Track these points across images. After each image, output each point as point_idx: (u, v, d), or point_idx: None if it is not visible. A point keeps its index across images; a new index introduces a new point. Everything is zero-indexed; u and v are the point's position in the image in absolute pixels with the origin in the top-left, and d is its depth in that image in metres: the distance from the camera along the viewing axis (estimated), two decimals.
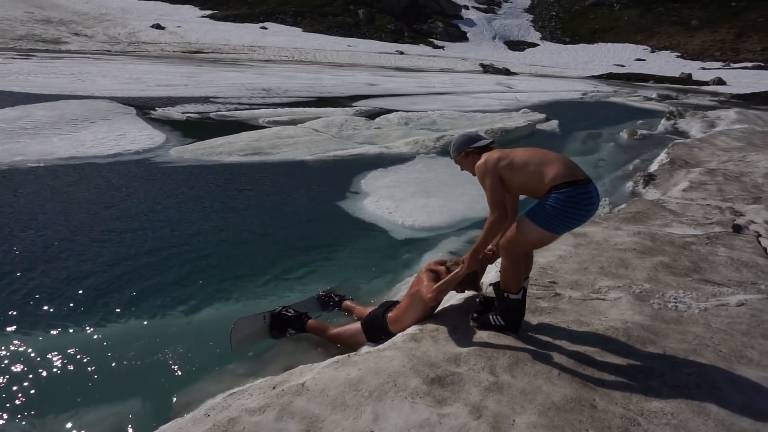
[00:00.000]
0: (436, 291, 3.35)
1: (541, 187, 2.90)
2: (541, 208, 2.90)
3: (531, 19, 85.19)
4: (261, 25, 65.83)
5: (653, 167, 10.43)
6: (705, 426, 2.41)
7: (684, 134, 16.94)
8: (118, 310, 4.33)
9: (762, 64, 70.11)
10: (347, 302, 4.38)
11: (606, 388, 2.72)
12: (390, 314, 3.66)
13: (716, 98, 36.13)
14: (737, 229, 5.83)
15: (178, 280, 4.91)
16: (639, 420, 2.46)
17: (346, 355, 3.05)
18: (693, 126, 18.27)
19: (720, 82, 51.77)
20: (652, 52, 72.36)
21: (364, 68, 44.30)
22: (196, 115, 14.52)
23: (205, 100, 17.53)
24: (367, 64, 50.31)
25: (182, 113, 14.48)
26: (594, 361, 2.97)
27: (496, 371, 2.84)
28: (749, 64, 71.53)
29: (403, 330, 3.49)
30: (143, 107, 14.89)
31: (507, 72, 52.41)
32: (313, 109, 16.52)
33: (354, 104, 19.31)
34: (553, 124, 17.05)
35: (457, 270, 3.29)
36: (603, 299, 3.83)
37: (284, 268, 5.31)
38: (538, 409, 2.53)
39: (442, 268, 3.55)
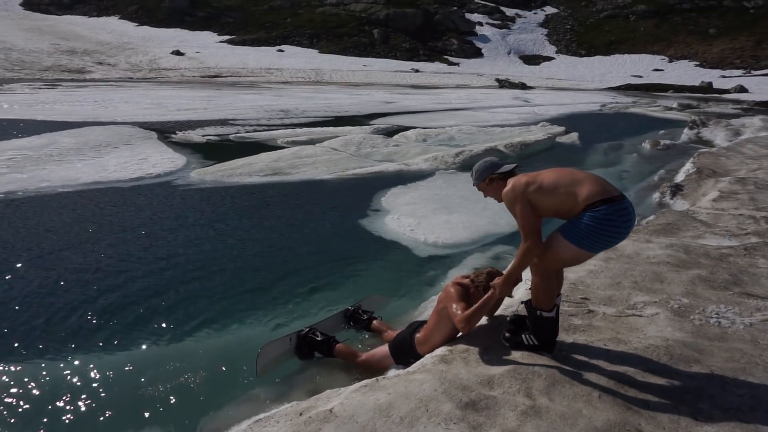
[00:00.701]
0: (466, 320, 3.21)
1: (575, 208, 2.80)
2: (576, 226, 2.78)
3: (545, 33, 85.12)
4: (278, 48, 66.89)
5: (680, 177, 10.18)
6: None
7: (708, 143, 16.58)
8: (141, 333, 4.29)
9: None
10: (376, 323, 4.27)
11: (651, 411, 2.56)
12: (418, 335, 3.55)
13: (739, 106, 35.48)
14: None
15: (202, 302, 4.87)
16: None
17: (375, 378, 2.94)
18: (717, 135, 17.91)
19: (741, 89, 50.92)
20: (670, 61, 71.64)
21: (380, 87, 44.63)
22: (215, 138, 14.69)
23: (224, 122, 17.75)
24: (383, 82, 50.68)
25: (202, 136, 14.66)
26: (636, 381, 2.81)
27: (533, 394, 2.70)
28: None
29: (432, 350, 3.38)
30: (164, 131, 15.11)
31: (523, 86, 52.29)
32: (331, 129, 16.60)
33: (371, 122, 19.37)
34: (573, 137, 16.86)
35: (488, 295, 3.19)
36: (639, 315, 3.66)
37: (307, 287, 5.24)
38: None
39: (468, 281, 3.44)
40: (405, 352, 3.56)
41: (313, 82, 48.16)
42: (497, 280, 3.16)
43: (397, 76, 56.67)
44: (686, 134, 18.40)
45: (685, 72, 65.65)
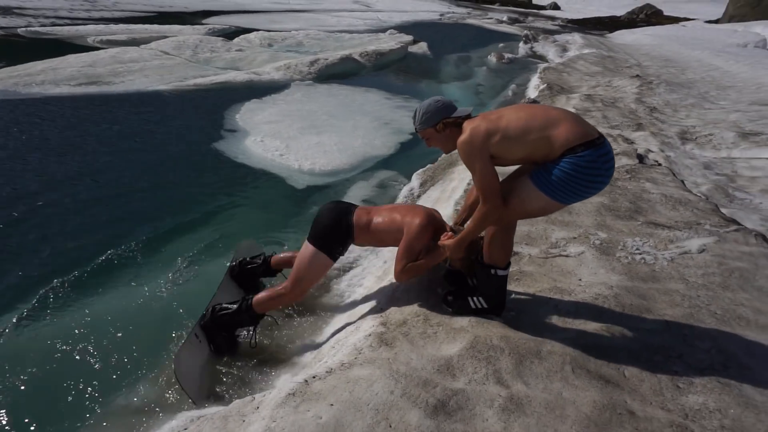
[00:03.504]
0: (403, 274, 2.74)
1: (551, 154, 2.25)
2: (552, 173, 2.24)
3: None
4: None
5: (533, 93, 10.44)
6: (761, 424, 2.06)
7: (543, 58, 17.52)
8: None
9: None
10: (278, 257, 3.39)
11: (631, 382, 2.26)
12: (359, 220, 2.88)
13: (556, 23, 38.45)
14: (641, 158, 5.83)
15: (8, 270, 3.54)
16: (690, 426, 2.04)
17: (302, 380, 2.21)
18: (549, 50, 19.02)
19: (555, 6, 55.33)
20: None
21: None
22: None
23: (6, 11, 13.95)
24: None
25: None
26: (599, 344, 2.50)
27: (504, 378, 2.23)
28: None
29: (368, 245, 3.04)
30: None
31: None
32: (155, 27, 14.00)
33: (204, 22, 16.87)
34: (423, 47, 16.55)
35: (434, 255, 2.69)
36: (566, 256, 3.40)
37: (160, 238, 4.13)
38: (575, 430, 1.99)
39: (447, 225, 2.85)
40: (341, 235, 2.87)
41: None
42: (448, 240, 2.57)
43: None
44: (522, 48, 19.24)
45: None
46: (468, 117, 2.45)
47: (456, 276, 2.93)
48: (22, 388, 2.63)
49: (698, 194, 4.64)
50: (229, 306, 2.91)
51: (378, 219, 2.89)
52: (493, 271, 2.56)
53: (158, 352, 2.88)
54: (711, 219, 3.92)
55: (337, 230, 2.87)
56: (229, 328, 2.90)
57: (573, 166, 2.21)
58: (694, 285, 3.05)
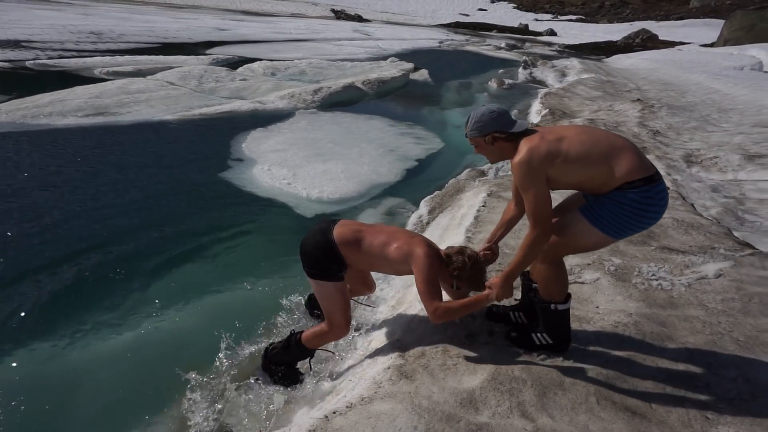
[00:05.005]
0: (442, 316, 2.49)
1: (609, 183, 2.19)
2: (605, 207, 2.21)
3: None
4: None
5: (535, 118, 10.50)
6: None
7: (542, 83, 17.68)
8: None
9: (583, 17, 77.85)
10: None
11: (658, 414, 2.21)
12: (342, 235, 2.69)
13: (553, 48, 38.99)
14: None
15: (19, 308, 3.51)
16: None
17: (323, 416, 2.16)
18: (548, 75, 19.21)
19: (552, 32, 56.20)
20: (492, 2, 76.25)
21: (207, 11, 40.24)
22: (5, 65, 11.61)
23: (15, 44, 14.19)
24: (210, 6, 45.77)
25: None
26: (622, 374, 2.45)
27: (528, 411, 2.19)
28: (573, 17, 78.92)
29: (361, 263, 2.78)
30: None
31: (360, 18, 51.42)
32: (160, 58, 14.20)
33: (208, 52, 17.13)
34: (424, 74, 16.74)
35: (482, 295, 2.51)
36: (582, 282, 3.37)
37: (168, 269, 4.10)
38: None
39: (443, 254, 2.69)
40: (329, 255, 2.67)
41: (125, 0, 41.51)
42: (495, 279, 2.46)
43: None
44: (522, 74, 19.44)
45: (506, 13, 70.50)
46: (524, 133, 2.32)
47: (498, 315, 2.89)
48: (38, 415, 2.58)
49: (709, 218, 4.63)
50: (279, 344, 2.95)
51: (372, 241, 2.67)
52: (552, 307, 2.49)
53: (165, 387, 2.83)
54: (725, 243, 3.90)
55: (322, 252, 2.68)
56: (285, 364, 2.91)
57: (630, 201, 2.17)
58: (713, 311, 3.01)
